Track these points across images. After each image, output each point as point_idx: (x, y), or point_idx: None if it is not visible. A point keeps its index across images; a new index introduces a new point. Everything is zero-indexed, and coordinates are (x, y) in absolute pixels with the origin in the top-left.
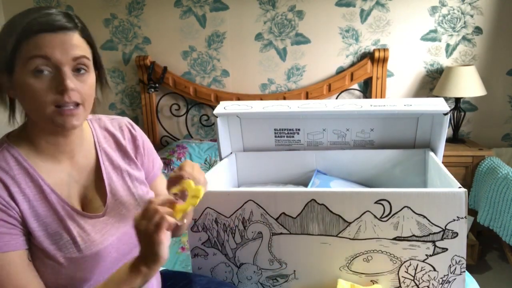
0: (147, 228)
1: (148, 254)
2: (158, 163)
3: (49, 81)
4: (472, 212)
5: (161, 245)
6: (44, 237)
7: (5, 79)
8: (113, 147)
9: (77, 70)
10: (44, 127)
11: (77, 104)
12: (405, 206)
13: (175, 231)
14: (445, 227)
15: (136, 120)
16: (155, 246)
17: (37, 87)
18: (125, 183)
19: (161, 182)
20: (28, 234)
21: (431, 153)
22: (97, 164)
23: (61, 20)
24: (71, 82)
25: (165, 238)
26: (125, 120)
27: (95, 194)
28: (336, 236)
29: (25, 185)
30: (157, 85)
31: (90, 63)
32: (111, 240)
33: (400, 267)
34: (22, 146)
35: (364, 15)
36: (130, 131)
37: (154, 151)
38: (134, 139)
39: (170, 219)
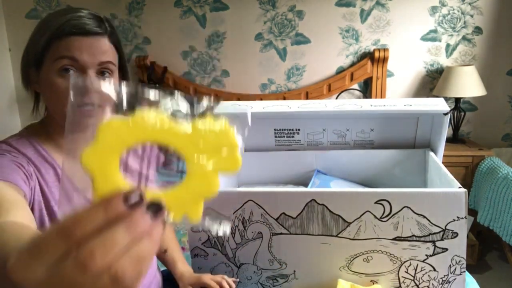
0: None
1: None
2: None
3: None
4: (472, 212)
5: None
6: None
7: (33, 74)
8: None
9: (101, 73)
10: (61, 122)
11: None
12: (405, 206)
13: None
14: (445, 227)
15: None
16: None
17: (61, 85)
18: (134, 180)
19: None
20: (35, 210)
21: (431, 153)
22: None
23: (91, 25)
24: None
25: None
26: None
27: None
28: (336, 236)
29: (44, 171)
30: (157, 85)
31: (115, 68)
32: None
33: (400, 267)
34: (40, 137)
35: (364, 15)
36: None
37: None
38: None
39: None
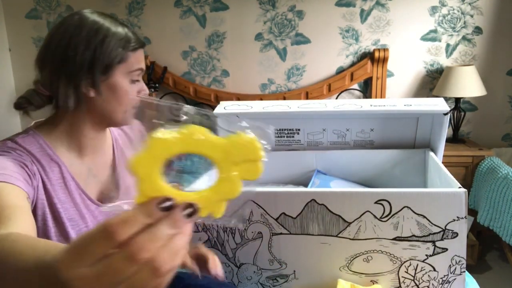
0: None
1: None
2: None
3: (136, 87)
4: (472, 212)
5: None
6: (66, 219)
7: (96, 79)
8: (127, 145)
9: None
10: (99, 124)
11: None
12: (405, 206)
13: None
14: (445, 227)
15: None
16: None
17: (130, 92)
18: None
19: None
20: (38, 210)
21: (431, 153)
22: (113, 160)
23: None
24: None
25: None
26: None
27: (111, 190)
28: (336, 236)
29: (49, 169)
30: (157, 85)
31: None
32: None
33: (400, 267)
34: (49, 135)
35: (364, 15)
36: (139, 129)
37: None
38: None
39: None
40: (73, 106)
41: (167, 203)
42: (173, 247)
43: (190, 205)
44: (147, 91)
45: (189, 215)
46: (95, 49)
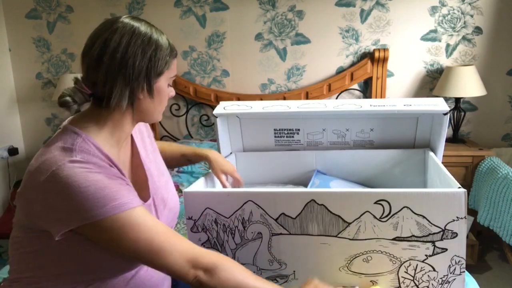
0: None
1: None
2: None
3: (170, 90)
4: (472, 212)
5: None
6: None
7: (151, 84)
8: (139, 138)
9: None
10: (137, 120)
11: None
12: (404, 206)
13: None
14: (445, 227)
15: None
16: None
17: (168, 95)
18: (155, 169)
19: None
20: None
21: (431, 153)
22: (132, 154)
23: None
24: None
25: None
26: None
27: (136, 183)
28: (336, 236)
29: (112, 167)
30: None
31: None
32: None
33: (399, 267)
34: (97, 136)
35: (364, 15)
36: (144, 124)
37: None
38: (148, 130)
39: None
40: (125, 104)
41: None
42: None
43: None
44: (174, 93)
45: None
46: (150, 58)
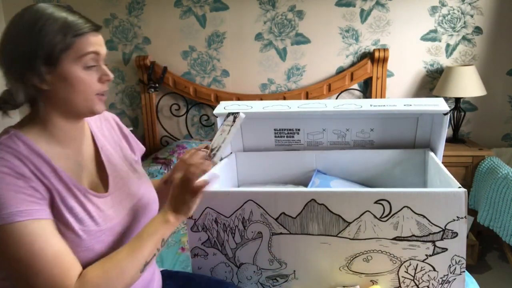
0: (193, 174)
1: (180, 203)
2: (141, 146)
3: (95, 73)
4: (472, 212)
5: (197, 198)
6: (64, 209)
7: (39, 73)
8: (106, 134)
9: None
10: (68, 115)
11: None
12: (405, 206)
13: None
14: (445, 227)
15: (136, 120)
16: (191, 197)
17: (87, 79)
18: (124, 165)
19: None
20: (51, 208)
21: (431, 153)
22: (96, 150)
23: (97, 23)
24: None
25: (201, 194)
26: (108, 113)
27: (98, 179)
28: (336, 236)
29: (40, 165)
30: (157, 85)
31: None
32: (121, 217)
33: (400, 267)
34: (30, 133)
35: (364, 15)
36: (115, 121)
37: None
38: (120, 128)
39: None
40: (25, 100)
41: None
42: (201, 165)
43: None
44: (110, 76)
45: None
46: (33, 41)
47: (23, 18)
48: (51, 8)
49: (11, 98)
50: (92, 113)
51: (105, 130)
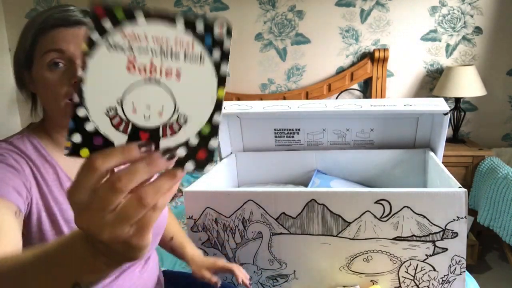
0: (121, 234)
1: (116, 255)
2: None
3: (63, 74)
4: (472, 212)
5: (146, 247)
6: (63, 221)
7: (26, 75)
8: None
9: None
10: (58, 119)
11: None
12: (405, 206)
13: None
14: (445, 227)
15: None
16: (136, 252)
17: (51, 79)
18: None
19: None
20: (32, 214)
21: (431, 153)
22: None
23: (77, 16)
24: None
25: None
26: None
27: None
28: (336, 236)
29: (44, 170)
30: None
31: None
32: None
33: (400, 267)
34: (41, 136)
35: (364, 15)
36: None
37: None
38: None
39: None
40: (32, 106)
41: (147, 147)
42: (157, 184)
43: (169, 150)
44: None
45: (169, 158)
46: (19, 45)
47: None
48: (42, 11)
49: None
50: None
51: None
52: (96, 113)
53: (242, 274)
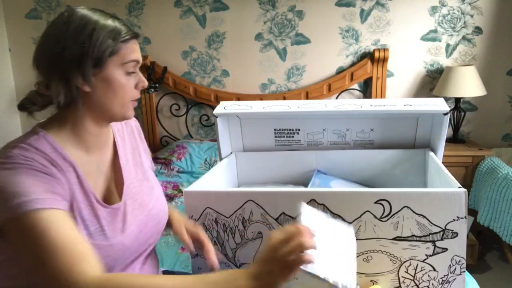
0: (288, 255)
1: (270, 278)
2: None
3: (133, 79)
4: (472, 212)
5: (289, 277)
6: (80, 221)
7: (87, 72)
8: (125, 140)
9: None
10: (100, 119)
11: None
12: (405, 206)
13: None
14: (445, 227)
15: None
16: (284, 276)
17: (126, 84)
18: (138, 173)
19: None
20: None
21: (431, 153)
22: (114, 156)
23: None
24: None
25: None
26: None
27: (114, 185)
28: None
29: (66, 169)
30: (157, 85)
31: None
32: (131, 228)
33: (400, 267)
34: (57, 134)
35: (364, 15)
36: (136, 126)
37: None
38: (139, 132)
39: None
40: (65, 102)
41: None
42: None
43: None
44: (146, 83)
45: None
46: (83, 43)
47: (70, 22)
48: (97, 14)
49: (38, 99)
50: (124, 118)
51: (125, 134)
52: None
53: (211, 261)
